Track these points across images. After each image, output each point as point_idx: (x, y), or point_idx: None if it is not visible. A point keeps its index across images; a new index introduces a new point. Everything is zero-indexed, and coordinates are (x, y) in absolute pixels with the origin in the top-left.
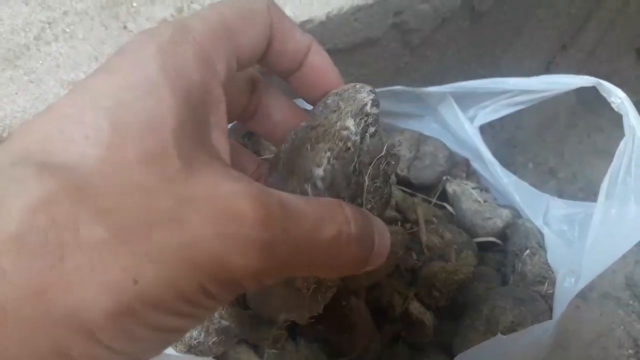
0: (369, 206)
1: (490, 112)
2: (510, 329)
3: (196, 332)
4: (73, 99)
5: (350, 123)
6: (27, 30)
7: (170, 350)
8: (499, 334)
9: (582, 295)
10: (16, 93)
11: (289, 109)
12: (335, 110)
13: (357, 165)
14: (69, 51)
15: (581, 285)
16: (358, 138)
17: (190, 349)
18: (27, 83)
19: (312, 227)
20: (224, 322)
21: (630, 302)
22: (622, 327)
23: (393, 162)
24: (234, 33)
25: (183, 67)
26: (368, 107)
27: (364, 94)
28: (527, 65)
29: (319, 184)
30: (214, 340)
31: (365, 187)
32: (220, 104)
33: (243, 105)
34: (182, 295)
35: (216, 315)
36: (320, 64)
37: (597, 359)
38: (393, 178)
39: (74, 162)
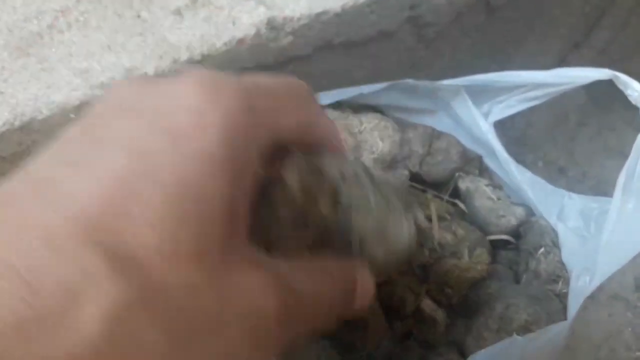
0: None
1: (505, 108)
2: (525, 327)
3: None
4: (131, 163)
5: None
6: (40, 18)
7: None
8: (514, 335)
9: (591, 296)
10: (28, 81)
11: None
12: None
13: None
14: (82, 40)
15: (596, 283)
16: None
17: None
18: (39, 71)
19: (312, 303)
20: None
21: (639, 304)
22: (630, 328)
23: None
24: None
25: (249, 158)
26: None
27: None
28: (540, 62)
29: None
30: None
31: None
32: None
33: None
34: None
35: None
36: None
37: None
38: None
39: (138, 252)
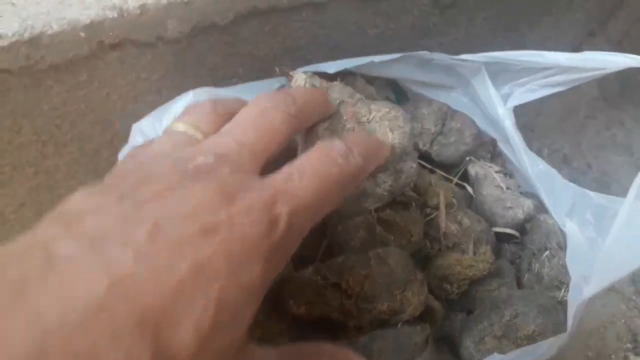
0: None
1: (526, 92)
2: (530, 337)
3: None
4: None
5: None
6: None
7: None
8: (495, 354)
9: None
10: None
11: None
12: None
13: None
14: None
15: (590, 292)
16: None
17: None
18: None
19: None
20: None
21: (634, 297)
22: (622, 320)
23: None
24: None
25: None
26: None
27: None
28: (553, 47)
29: None
30: None
31: None
32: None
33: None
34: None
35: None
36: None
37: (595, 348)
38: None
39: (178, 356)
